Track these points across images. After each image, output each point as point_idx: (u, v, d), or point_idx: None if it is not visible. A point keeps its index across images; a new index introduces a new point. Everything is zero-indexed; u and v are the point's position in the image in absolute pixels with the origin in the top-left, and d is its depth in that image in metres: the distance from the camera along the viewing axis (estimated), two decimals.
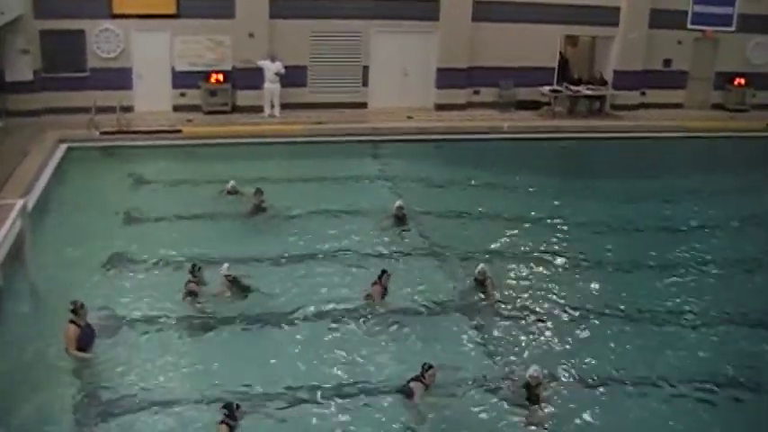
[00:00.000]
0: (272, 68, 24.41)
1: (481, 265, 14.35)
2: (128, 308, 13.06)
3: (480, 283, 14.16)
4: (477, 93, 27.10)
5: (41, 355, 11.62)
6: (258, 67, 24.40)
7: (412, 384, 10.84)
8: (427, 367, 10.84)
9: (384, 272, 13.68)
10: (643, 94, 28.20)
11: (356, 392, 11.15)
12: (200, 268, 13.44)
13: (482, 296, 13.99)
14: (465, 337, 12.86)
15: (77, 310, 11.60)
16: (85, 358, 11.55)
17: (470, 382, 11.44)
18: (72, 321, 11.56)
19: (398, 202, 17.14)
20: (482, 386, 11.39)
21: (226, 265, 13.65)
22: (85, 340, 11.63)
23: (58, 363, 11.45)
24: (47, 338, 11.95)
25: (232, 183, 18.16)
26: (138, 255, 15.11)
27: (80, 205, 17.63)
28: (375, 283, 13.60)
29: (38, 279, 13.83)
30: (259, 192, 17.32)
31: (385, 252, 15.78)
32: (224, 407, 9.87)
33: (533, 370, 11.10)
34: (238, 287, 13.56)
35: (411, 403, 10.75)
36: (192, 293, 13.17)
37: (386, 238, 16.46)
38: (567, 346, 12.68)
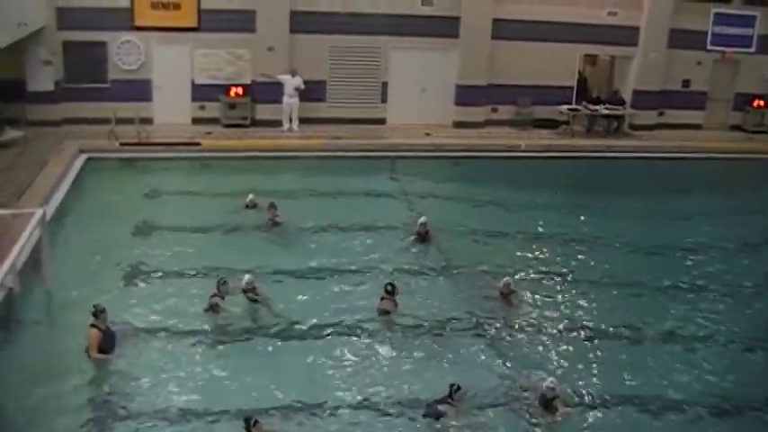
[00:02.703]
0: (292, 83, 24.54)
1: (506, 278, 14.47)
2: (144, 318, 13.10)
3: (504, 297, 14.21)
4: (495, 110, 27.11)
5: (57, 362, 11.67)
6: (278, 81, 24.52)
7: (441, 407, 10.75)
8: (456, 388, 10.80)
9: (393, 285, 13.74)
10: (661, 114, 28.14)
11: (377, 408, 11.11)
12: (225, 282, 13.47)
13: (503, 310, 14.00)
14: (482, 351, 12.83)
15: (98, 313, 11.83)
16: (106, 359, 11.75)
17: (487, 395, 11.43)
18: (93, 325, 11.79)
19: (422, 219, 17.09)
20: (499, 399, 11.39)
21: (248, 276, 13.73)
22: (107, 343, 11.85)
23: (73, 370, 11.51)
24: (63, 346, 12.07)
25: (251, 196, 18.16)
26: (154, 266, 15.16)
27: (98, 215, 17.72)
28: (383, 298, 13.64)
29: (55, 288, 13.88)
30: (273, 206, 17.35)
31: (401, 268, 15.72)
32: (244, 421, 9.89)
33: (550, 381, 11.10)
34: (254, 298, 13.62)
35: (442, 425, 10.66)
36: (214, 306, 13.22)
37: (403, 254, 16.45)
38: (585, 362, 12.65)
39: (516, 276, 15.26)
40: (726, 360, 13.03)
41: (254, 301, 13.61)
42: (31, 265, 14.04)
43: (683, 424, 11.22)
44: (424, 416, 10.81)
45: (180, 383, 11.43)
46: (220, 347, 12.46)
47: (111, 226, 17.00)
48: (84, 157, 21.41)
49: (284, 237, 17.02)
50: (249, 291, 13.61)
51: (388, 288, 13.68)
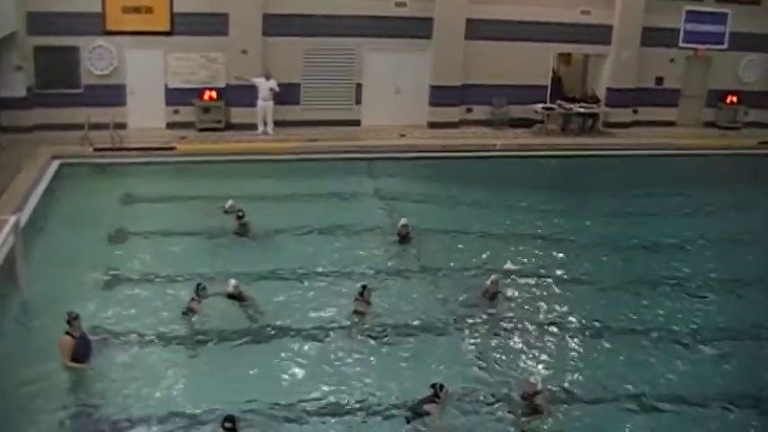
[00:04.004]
0: (266, 86, 24.45)
1: (494, 276, 14.57)
2: (120, 324, 12.96)
3: (489, 295, 14.25)
4: (469, 111, 27.16)
5: (33, 371, 11.49)
6: (252, 84, 24.43)
7: (427, 407, 10.67)
8: (439, 387, 10.75)
9: (364, 287, 13.73)
10: (635, 111, 28.33)
11: (356, 410, 11.08)
12: (204, 287, 13.39)
13: (485, 309, 14.02)
14: (464, 350, 12.86)
15: (71, 321, 11.64)
16: (81, 369, 11.55)
17: (470, 393, 11.46)
18: (67, 333, 11.60)
19: (403, 221, 17.06)
20: (482, 397, 11.41)
21: (233, 280, 13.68)
22: (81, 352, 11.63)
23: (49, 379, 11.35)
24: (38, 355, 11.86)
25: (230, 202, 17.77)
26: (130, 272, 15.05)
27: (72, 222, 17.53)
28: (357, 299, 13.61)
29: (29, 296, 13.72)
30: (240, 215, 16.97)
31: (383, 269, 15.73)
32: (227, 419, 9.82)
33: (532, 379, 11.17)
34: (240, 300, 13.60)
35: (427, 425, 10.61)
36: (191, 311, 13.14)
37: (384, 255, 16.44)
38: (566, 360, 12.71)
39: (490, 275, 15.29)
40: (705, 355, 13.11)
41: (242, 302, 13.53)
42: (6, 273, 13.87)
43: (666, 420, 11.26)
44: (411, 415, 10.76)
45: (158, 390, 11.32)
46: (198, 352, 12.37)
47: (86, 232, 16.84)
48: (57, 163, 21.18)
49: (262, 241, 16.89)
50: (236, 295, 13.55)
51: (360, 290, 13.69)
